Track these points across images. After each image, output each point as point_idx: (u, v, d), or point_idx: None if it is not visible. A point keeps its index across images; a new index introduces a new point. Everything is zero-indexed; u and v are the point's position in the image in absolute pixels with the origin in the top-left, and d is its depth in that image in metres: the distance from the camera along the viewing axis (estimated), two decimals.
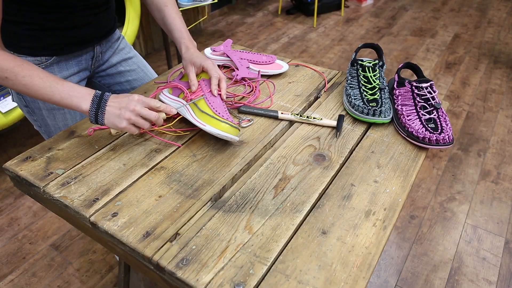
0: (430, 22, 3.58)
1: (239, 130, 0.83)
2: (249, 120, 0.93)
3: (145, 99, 0.79)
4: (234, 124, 0.81)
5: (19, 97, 0.98)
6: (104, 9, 0.99)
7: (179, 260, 0.62)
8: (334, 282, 0.60)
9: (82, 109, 0.78)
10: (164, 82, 1.07)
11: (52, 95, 0.77)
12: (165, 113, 0.83)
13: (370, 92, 0.94)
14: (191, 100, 0.86)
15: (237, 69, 1.10)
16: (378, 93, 0.94)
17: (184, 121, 0.92)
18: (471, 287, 1.44)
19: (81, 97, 0.78)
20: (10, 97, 0.99)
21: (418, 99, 0.90)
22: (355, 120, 0.94)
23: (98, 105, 0.77)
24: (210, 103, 0.84)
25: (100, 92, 0.79)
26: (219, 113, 0.82)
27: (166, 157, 0.83)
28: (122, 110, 0.77)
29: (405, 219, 1.71)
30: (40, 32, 0.89)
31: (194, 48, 0.96)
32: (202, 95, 0.86)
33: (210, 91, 0.87)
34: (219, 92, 0.88)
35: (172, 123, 0.89)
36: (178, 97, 0.91)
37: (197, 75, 0.92)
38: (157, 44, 3.12)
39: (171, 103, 0.90)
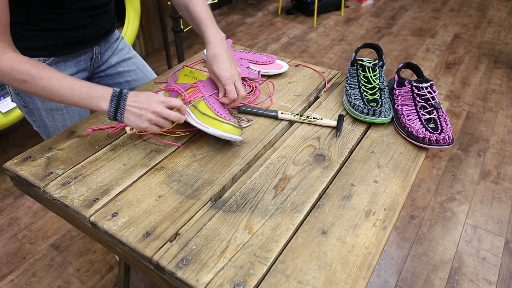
0: (430, 22, 3.58)
1: (242, 130, 0.83)
2: (248, 120, 0.93)
3: (165, 99, 0.78)
4: (236, 124, 0.81)
5: (18, 98, 0.98)
6: (103, 11, 0.98)
7: (179, 260, 0.62)
8: (334, 282, 0.60)
9: (102, 109, 0.78)
10: (165, 82, 1.07)
11: (71, 97, 0.77)
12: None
13: (370, 92, 0.94)
14: (189, 102, 0.86)
15: None
16: (378, 93, 0.94)
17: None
18: (471, 287, 1.44)
19: (100, 97, 0.77)
20: (10, 97, 1.00)
21: (418, 99, 0.90)
22: (355, 120, 0.94)
23: (117, 104, 0.77)
24: (210, 104, 0.84)
25: (118, 90, 0.78)
26: (220, 114, 0.82)
27: (166, 157, 0.83)
28: (143, 111, 0.77)
29: (405, 219, 1.71)
30: (37, 32, 0.89)
31: (219, 44, 0.89)
32: (202, 97, 0.86)
33: (212, 95, 0.86)
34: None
35: (172, 126, 0.88)
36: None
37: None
38: (157, 44, 3.12)
39: None
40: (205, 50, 1.17)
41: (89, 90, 0.78)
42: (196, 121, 0.83)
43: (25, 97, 0.97)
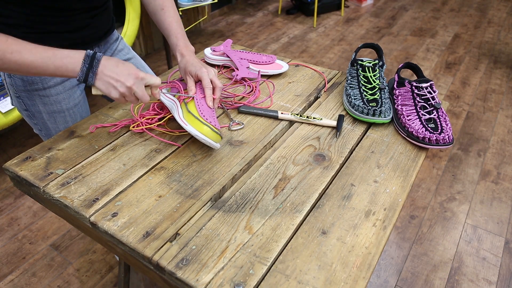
0: (430, 22, 3.58)
1: (221, 138, 0.82)
2: (238, 123, 0.93)
3: (145, 76, 0.78)
4: (217, 130, 0.80)
5: (19, 101, 0.97)
6: (101, 11, 0.98)
7: (179, 260, 0.62)
8: (334, 282, 0.60)
9: (77, 72, 0.77)
10: (164, 82, 1.07)
11: (46, 67, 0.76)
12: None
13: (370, 92, 0.94)
14: (183, 100, 0.87)
15: (237, 69, 1.10)
16: (378, 93, 0.94)
17: None
18: (471, 287, 1.44)
19: (76, 62, 0.76)
20: (9, 99, 1.00)
21: (418, 99, 0.90)
22: (355, 120, 0.94)
23: (90, 65, 0.76)
24: (198, 106, 0.84)
25: (91, 52, 0.77)
26: (203, 116, 0.82)
27: (166, 157, 0.83)
28: (119, 83, 0.77)
29: (405, 219, 1.71)
30: (38, 35, 0.89)
31: (190, 54, 0.93)
32: (194, 96, 0.86)
33: (204, 97, 0.87)
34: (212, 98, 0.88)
35: (162, 121, 0.89)
36: (173, 96, 0.92)
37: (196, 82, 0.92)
38: (157, 44, 3.12)
39: (167, 101, 0.90)
40: (205, 50, 1.17)
41: (64, 57, 0.76)
42: (179, 116, 0.83)
43: (26, 100, 0.96)
